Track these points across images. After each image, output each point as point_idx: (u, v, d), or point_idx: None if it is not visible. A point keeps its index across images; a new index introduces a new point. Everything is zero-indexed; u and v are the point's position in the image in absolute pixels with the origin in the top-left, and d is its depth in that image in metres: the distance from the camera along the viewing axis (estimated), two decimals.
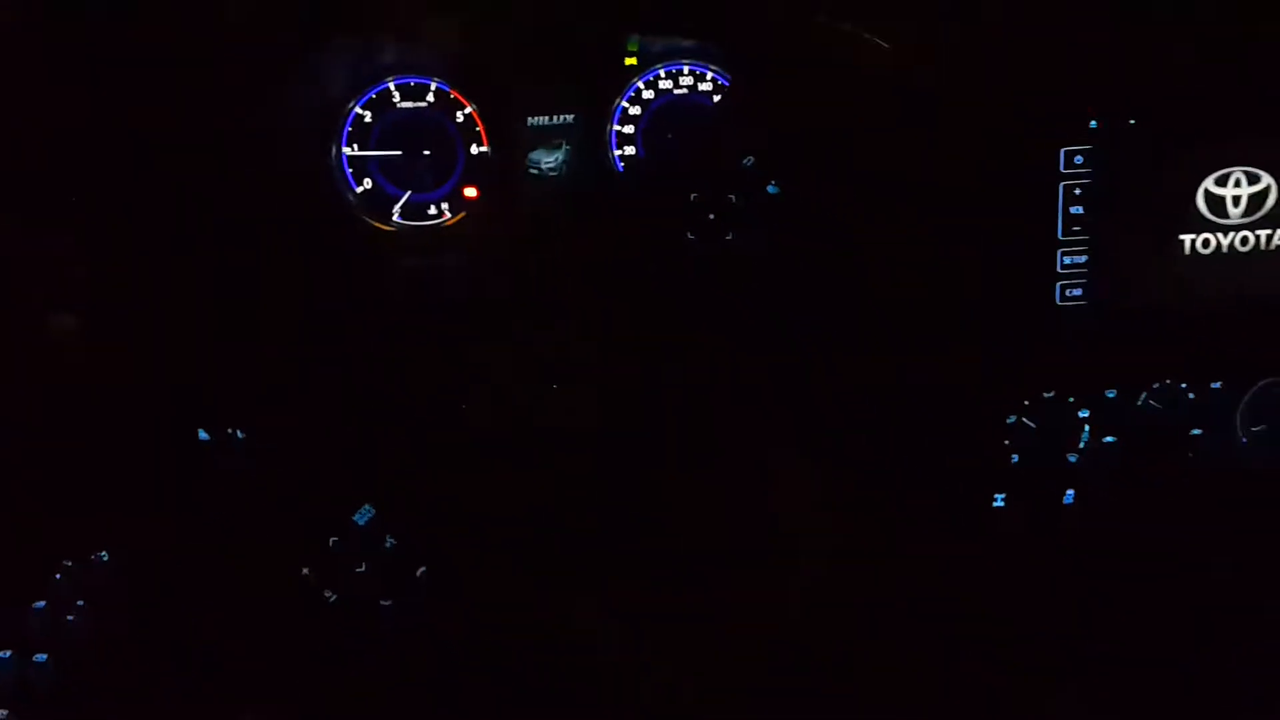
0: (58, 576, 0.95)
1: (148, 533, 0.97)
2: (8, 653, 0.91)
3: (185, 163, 0.97)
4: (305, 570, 0.95)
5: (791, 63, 0.94)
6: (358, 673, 0.94)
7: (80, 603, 0.94)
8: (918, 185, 0.95)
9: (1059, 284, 0.98)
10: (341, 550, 0.95)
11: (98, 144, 0.96)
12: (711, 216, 0.95)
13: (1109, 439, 1.04)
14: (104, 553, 0.97)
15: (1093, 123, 0.95)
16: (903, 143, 0.94)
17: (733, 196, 0.95)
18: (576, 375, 1.00)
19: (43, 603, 0.93)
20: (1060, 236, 0.97)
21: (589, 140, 1.06)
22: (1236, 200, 0.97)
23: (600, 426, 0.99)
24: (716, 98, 1.07)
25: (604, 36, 1.05)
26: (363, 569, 0.95)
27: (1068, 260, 0.97)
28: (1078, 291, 0.98)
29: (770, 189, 0.92)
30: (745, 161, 0.94)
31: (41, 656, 0.91)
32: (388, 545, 0.95)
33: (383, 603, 0.94)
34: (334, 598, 0.94)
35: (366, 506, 0.96)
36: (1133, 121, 0.95)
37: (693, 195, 0.95)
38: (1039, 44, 0.96)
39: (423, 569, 0.96)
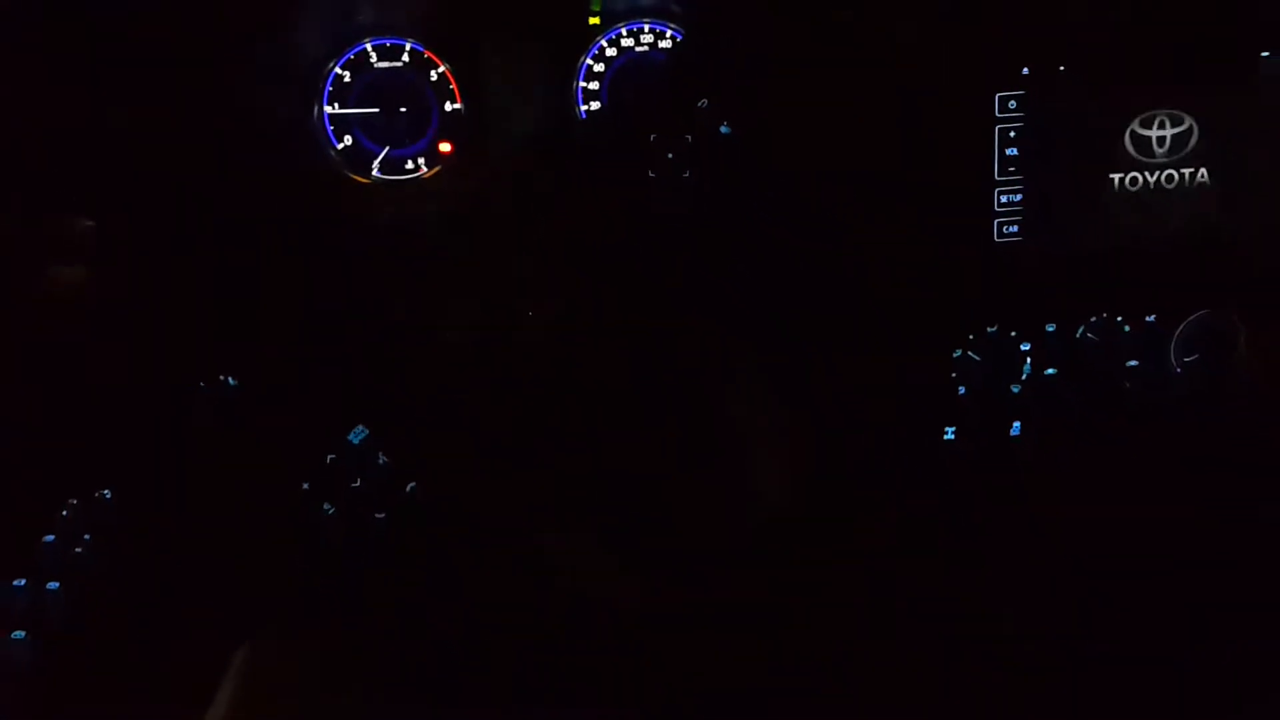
0: (64, 513, 1.02)
1: (149, 466, 1.04)
2: (22, 580, 0.97)
3: (172, 130, 1.02)
4: (305, 485, 1.01)
5: (741, 13, 0.99)
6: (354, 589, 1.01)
7: (87, 536, 1.01)
8: (861, 129, 1.00)
9: (997, 222, 1.03)
10: (338, 467, 1.01)
11: (83, 115, 1.00)
12: (670, 156, 1.01)
13: (1050, 371, 1.10)
14: (107, 491, 1.04)
15: (1025, 69, 1.00)
16: (845, 88, 0.99)
17: (689, 137, 1.01)
18: (552, 316, 1.06)
19: (52, 536, 1.00)
20: (997, 177, 1.02)
21: (556, 96, 1.12)
22: (1161, 140, 1.03)
23: (574, 362, 1.05)
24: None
25: None
26: (358, 484, 1.01)
27: (1004, 199, 1.03)
28: (1014, 229, 1.03)
29: (723, 130, 0.98)
30: (700, 104, 1.00)
31: (54, 585, 0.98)
32: (380, 463, 1.02)
33: (376, 515, 1.01)
34: (332, 510, 1.00)
35: (360, 427, 1.02)
36: (1062, 67, 1.01)
37: (652, 136, 1.01)
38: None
39: (413, 484, 1.02)
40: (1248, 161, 1.04)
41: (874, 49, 1.00)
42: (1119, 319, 1.10)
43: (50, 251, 1.03)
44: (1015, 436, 1.13)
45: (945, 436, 1.12)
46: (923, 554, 1.08)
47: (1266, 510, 1.14)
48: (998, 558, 1.10)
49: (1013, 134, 1.01)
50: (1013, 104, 1.01)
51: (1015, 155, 1.01)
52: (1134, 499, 1.15)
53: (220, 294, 1.05)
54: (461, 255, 1.07)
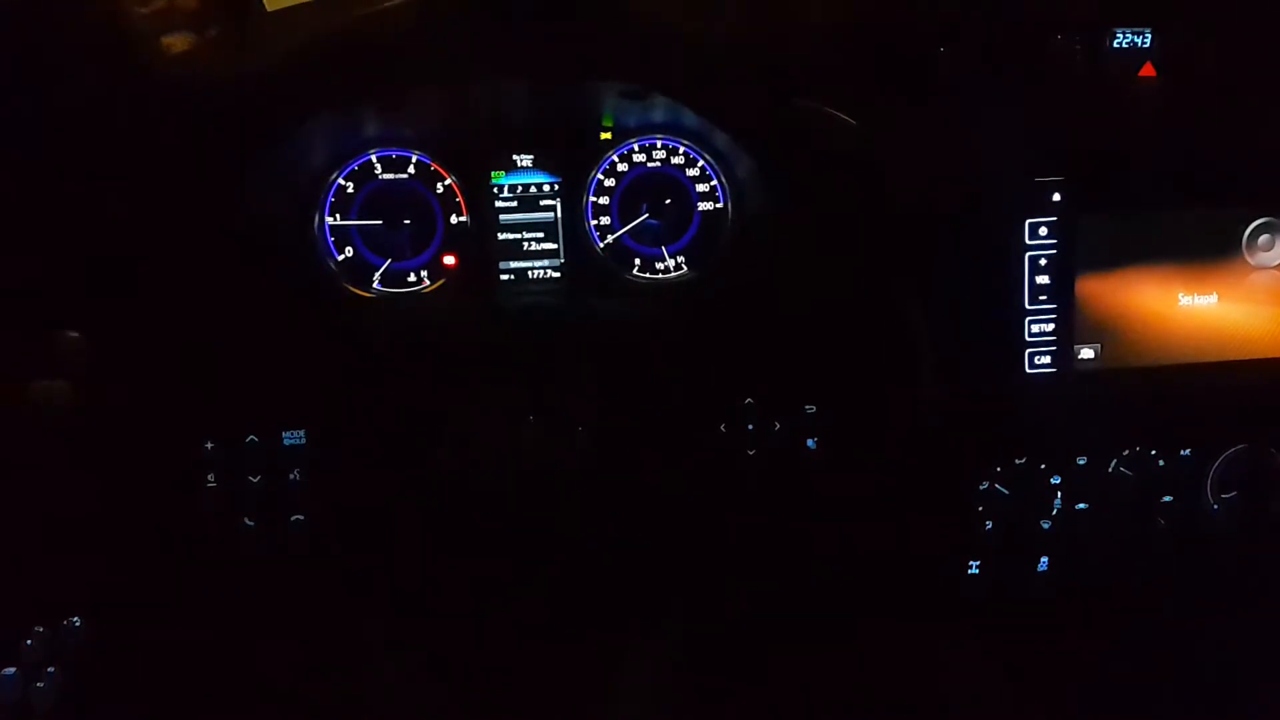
0: (29, 642, 0.95)
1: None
2: None
3: (172, 235, 0.98)
4: None
5: (774, 141, 0.96)
6: None
7: (51, 670, 0.94)
8: (894, 258, 0.97)
9: (1028, 352, 0.99)
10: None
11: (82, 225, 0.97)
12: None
13: (1081, 505, 1.05)
14: (76, 618, 0.97)
15: (1055, 195, 0.97)
16: (879, 217, 0.96)
17: None
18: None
19: (13, 670, 0.93)
20: (1027, 306, 0.98)
21: (568, 210, 1.09)
22: (1204, 271, 0.98)
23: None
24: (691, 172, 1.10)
25: (581, 113, 1.07)
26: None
27: (1035, 329, 0.98)
28: (1046, 359, 0.99)
29: None
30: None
31: None
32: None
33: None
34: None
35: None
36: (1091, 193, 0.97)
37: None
38: (1003, 124, 0.99)
39: None
40: None
41: (903, 177, 0.97)
42: (1153, 452, 1.05)
43: (33, 366, 0.98)
44: (1043, 571, 1.07)
45: (969, 570, 1.07)
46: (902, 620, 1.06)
47: None
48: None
49: (1043, 262, 0.97)
50: (1043, 231, 0.96)
51: (1046, 284, 0.97)
52: (1164, 637, 1.10)
53: (210, 409, 1.00)
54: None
